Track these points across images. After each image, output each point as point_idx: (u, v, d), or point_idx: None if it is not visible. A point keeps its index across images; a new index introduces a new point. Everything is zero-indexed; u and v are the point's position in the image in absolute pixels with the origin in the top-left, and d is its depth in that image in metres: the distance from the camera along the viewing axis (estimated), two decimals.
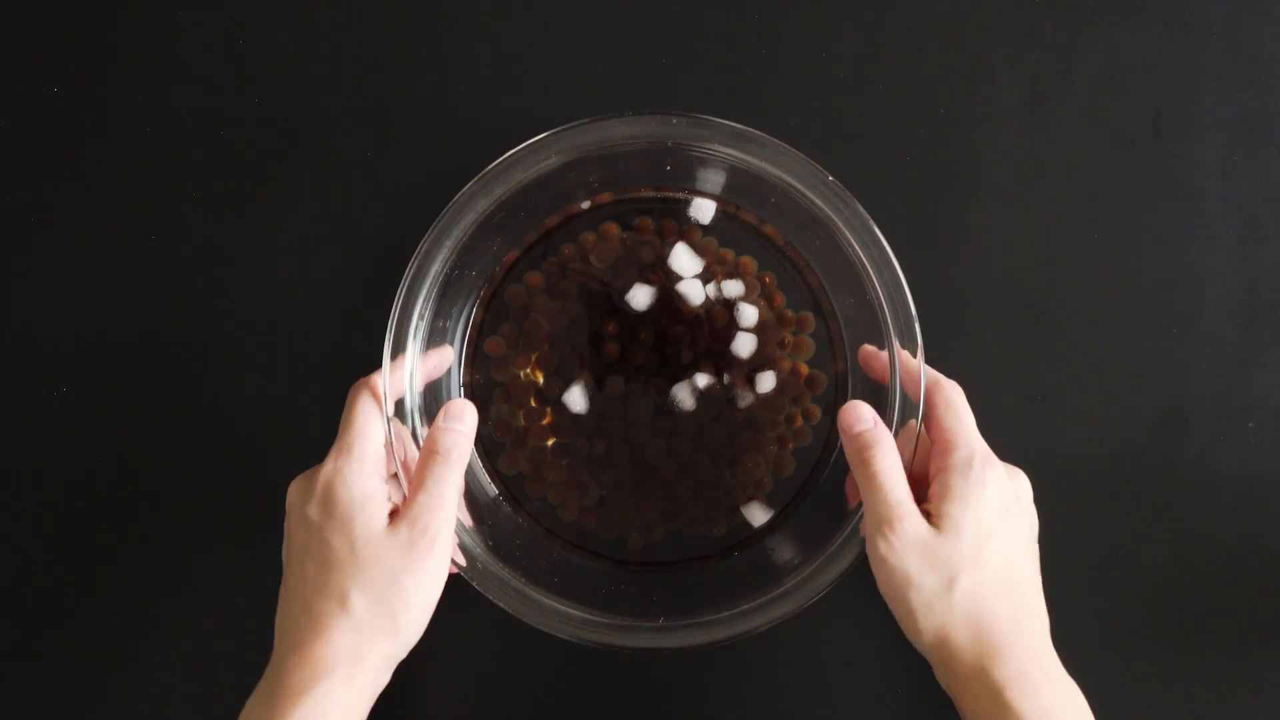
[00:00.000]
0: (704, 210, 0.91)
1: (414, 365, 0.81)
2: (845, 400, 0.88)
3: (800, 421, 0.90)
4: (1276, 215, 0.88)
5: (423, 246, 0.79)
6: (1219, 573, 0.87)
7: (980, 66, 0.89)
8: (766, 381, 0.89)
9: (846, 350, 0.89)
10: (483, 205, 0.82)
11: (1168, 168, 0.88)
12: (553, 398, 0.90)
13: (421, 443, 0.79)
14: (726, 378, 0.86)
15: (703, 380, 0.89)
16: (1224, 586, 0.87)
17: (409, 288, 0.79)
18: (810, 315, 0.91)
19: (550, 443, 0.91)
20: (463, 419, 0.81)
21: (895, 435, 0.80)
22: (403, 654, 0.76)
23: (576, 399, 0.89)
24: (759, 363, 0.87)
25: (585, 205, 0.88)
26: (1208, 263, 0.88)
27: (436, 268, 0.80)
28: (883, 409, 0.81)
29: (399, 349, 0.80)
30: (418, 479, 0.77)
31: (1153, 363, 0.88)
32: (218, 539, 0.89)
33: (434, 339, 0.83)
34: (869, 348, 0.84)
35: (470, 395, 0.88)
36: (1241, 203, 0.88)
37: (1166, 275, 0.88)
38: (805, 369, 0.91)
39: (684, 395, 0.89)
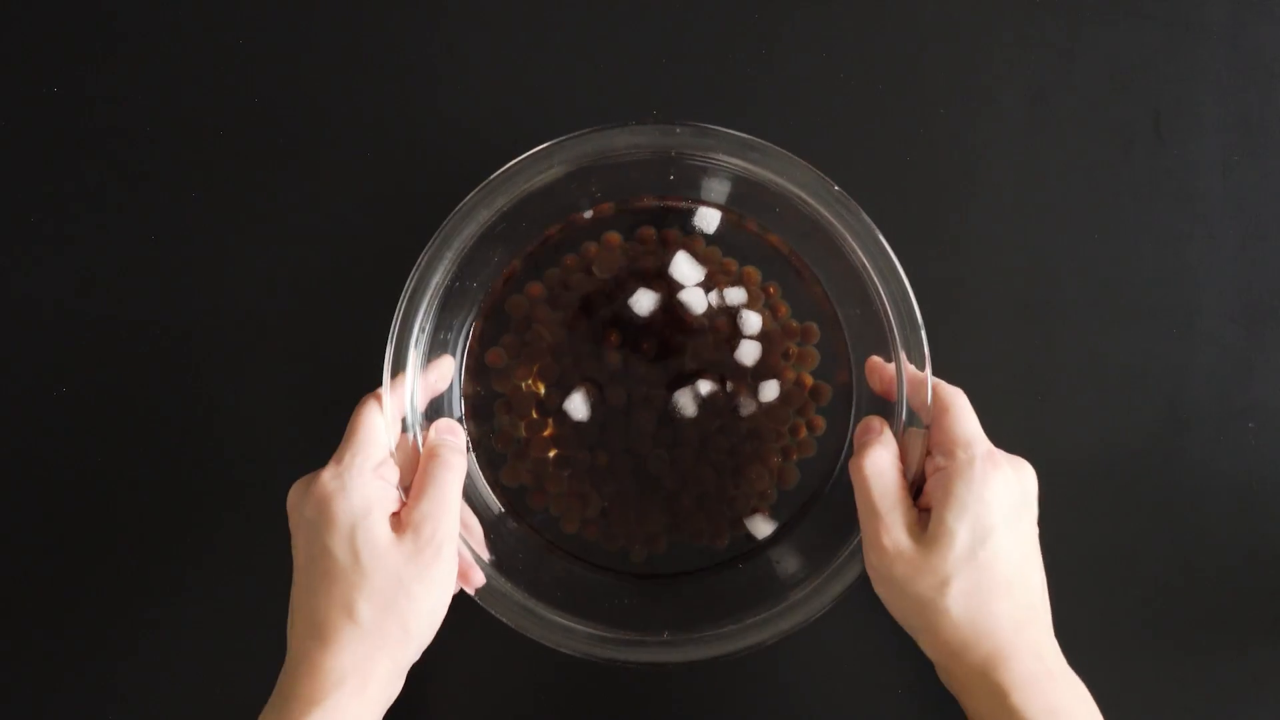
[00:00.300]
0: (709, 220, 0.88)
1: (415, 377, 0.79)
2: (850, 411, 0.87)
3: (804, 432, 0.88)
4: (1276, 215, 0.87)
5: (424, 258, 0.77)
6: (1219, 573, 0.85)
7: (980, 67, 0.87)
8: (770, 390, 0.86)
9: (852, 361, 0.86)
10: (484, 216, 0.80)
11: (1168, 168, 0.86)
12: (554, 409, 0.87)
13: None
14: (729, 385, 0.83)
15: (705, 387, 0.87)
16: (1224, 586, 0.85)
17: (410, 299, 0.77)
18: (814, 326, 0.89)
19: (552, 454, 0.88)
20: (454, 431, 0.80)
21: (900, 444, 0.78)
22: (415, 658, 0.74)
23: (577, 406, 0.86)
24: (763, 372, 0.84)
25: (587, 215, 0.85)
26: (1208, 263, 0.86)
27: (438, 279, 0.78)
28: (888, 422, 0.78)
29: (400, 361, 0.78)
30: (419, 485, 0.75)
31: (1153, 363, 0.86)
32: (219, 540, 0.88)
33: (435, 350, 0.81)
34: (876, 359, 0.81)
35: (471, 407, 0.86)
36: (1241, 203, 0.86)
37: (1166, 275, 0.86)
38: (810, 380, 0.88)
39: (685, 401, 0.86)
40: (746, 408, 0.87)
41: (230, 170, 0.87)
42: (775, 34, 0.87)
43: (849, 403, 0.88)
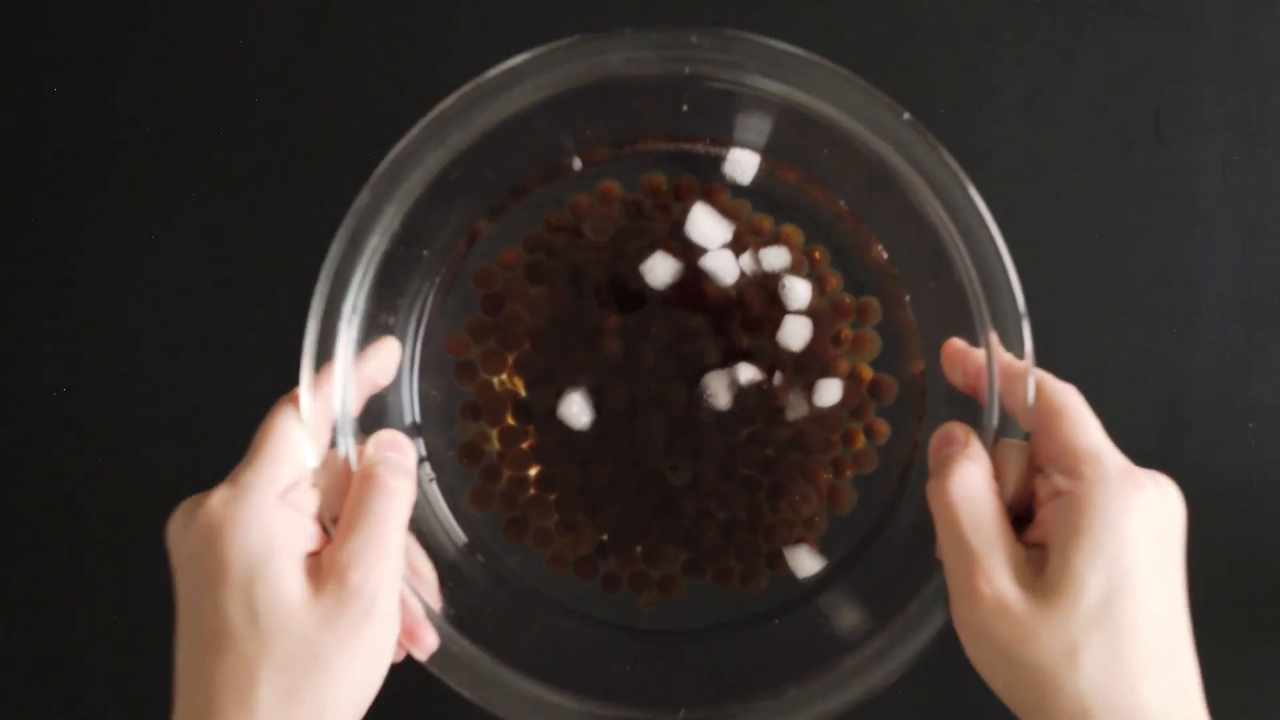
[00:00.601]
0: (743, 166, 0.41)
1: (346, 370, 0.31)
2: (920, 413, 0.40)
3: (862, 441, 0.42)
4: (1276, 215, 0.56)
5: (354, 213, 0.30)
6: (1219, 573, 0.54)
7: (980, 66, 0.56)
8: (829, 391, 0.42)
9: (923, 347, 0.38)
10: (435, 159, 0.36)
11: (1168, 168, 0.56)
12: (538, 413, 0.42)
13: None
14: (778, 377, 0.34)
15: (747, 373, 0.40)
16: (1224, 586, 0.54)
17: (337, 268, 0.30)
18: (875, 302, 0.42)
19: (534, 472, 0.42)
20: (399, 446, 0.36)
21: (992, 457, 0.35)
22: None
23: (576, 410, 0.40)
24: (811, 362, 0.35)
25: (576, 164, 0.36)
26: (1208, 263, 0.56)
27: (375, 242, 0.33)
28: (977, 428, 0.35)
29: (325, 349, 0.37)
30: (348, 517, 0.33)
31: (1153, 363, 0.55)
32: None
33: (374, 336, 0.31)
34: (957, 343, 0.38)
35: (426, 410, 0.40)
36: (1241, 203, 0.56)
37: (1166, 275, 0.56)
38: (869, 372, 0.42)
39: (718, 388, 0.40)
40: (795, 409, 0.43)
41: (230, 169, 0.50)
42: (775, 35, 0.53)
43: (920, 403, 0.41)
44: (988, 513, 0.34)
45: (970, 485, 0.34)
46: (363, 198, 0.36)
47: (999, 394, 0.36)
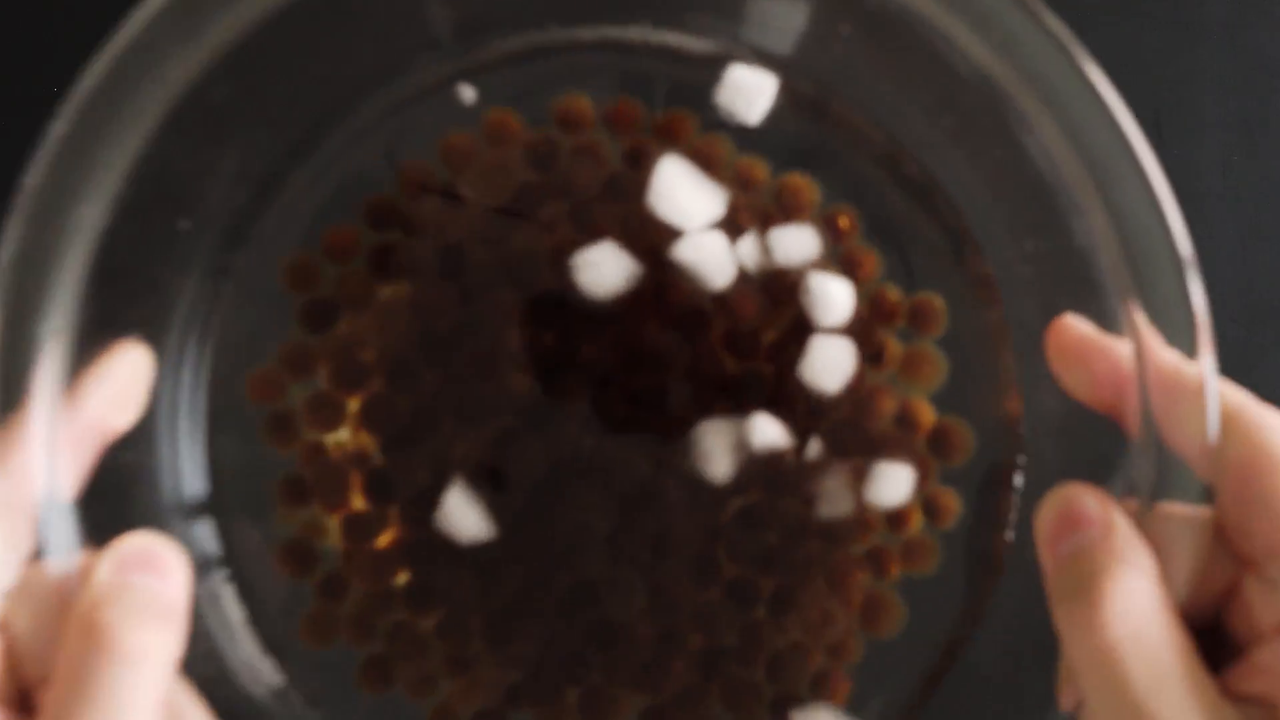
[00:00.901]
0: (748, 94, 0.20)
1: (53, 424, 0.09)
2: (1008, 476, 0.18)
3: (918, 523, 0.20)
4: (1276, 215, 0.41)
5: (42, 168, 0.09)
6: None
7: None
8: (893, 484, 0.18)
9: (1024, 367, 0.17)
10: (183, 65, 0.12)
11: (1168, 168, 0.28)
12: (403, 488, 0.17)
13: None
14: (814, 449, 0.16)
15: (764, 433, 0.19)
16: None
17: (20, 264, 0.09)
18: (937, 298, 0.21)
19: (402, 581, 0.21)
20: (154, 564, 0.13)
21: (1145, 533, 0.14)
22: None
23: (458, 512, 0.16)
24: (835, 401, 0.16)
25: (466, 91, 0.17)
26: (1208, 263, 0.28)
27: (88, 214, 0.10)
28: (1115, 482, 0.11)
29: (11, 387, 0.08)
30: (58, 700, 0.12)
31: None
32: None
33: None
34: (1076, 326, 0.16)
35: (221, 489, 0.18)
36: (1241, 203, 0.41)
37: None
38: (928, 414, 0.22)
39: (715, 449, 0.19)
40: (833, 503, 0.17)
41: None
42: None
43: (1009, 455, 0.18)
44: (1170, 656, 0.16)
45: (1139, 613, 0.16)
46: (56, 135, 0.19)
47: (1156, 419, 0.17)
